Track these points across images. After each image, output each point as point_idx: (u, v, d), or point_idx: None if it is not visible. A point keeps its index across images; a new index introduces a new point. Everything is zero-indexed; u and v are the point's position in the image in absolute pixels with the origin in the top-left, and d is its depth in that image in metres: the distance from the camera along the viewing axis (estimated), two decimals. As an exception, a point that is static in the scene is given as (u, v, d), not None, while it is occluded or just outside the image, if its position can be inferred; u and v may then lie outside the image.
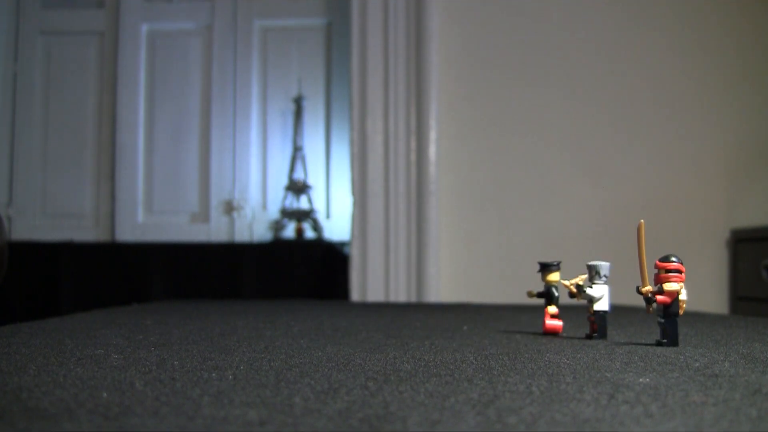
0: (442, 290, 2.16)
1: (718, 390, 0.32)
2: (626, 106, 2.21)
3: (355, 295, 2.16)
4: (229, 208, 2.60)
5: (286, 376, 0.35)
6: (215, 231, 2.59)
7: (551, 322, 0.79)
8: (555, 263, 0.81)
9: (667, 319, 0.63)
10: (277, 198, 2.58)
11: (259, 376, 0.35)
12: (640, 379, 0.35)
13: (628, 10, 2.23)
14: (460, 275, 2.20)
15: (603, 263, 0.74)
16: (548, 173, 2.21)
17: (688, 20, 2.22)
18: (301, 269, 2.26)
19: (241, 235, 2.59)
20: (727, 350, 0.54)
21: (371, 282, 2.16)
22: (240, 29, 2.64)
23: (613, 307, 0.77)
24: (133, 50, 2.64)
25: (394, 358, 0.53)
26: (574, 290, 0.74)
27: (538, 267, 0.81)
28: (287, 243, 2.48)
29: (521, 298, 0.86)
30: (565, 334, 0.75)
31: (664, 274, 0.62)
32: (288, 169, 2.53)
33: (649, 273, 0.61)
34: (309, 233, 2.52)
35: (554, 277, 0.80)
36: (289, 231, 2.53)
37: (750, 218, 2.15)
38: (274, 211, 2.59)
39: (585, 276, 0.75)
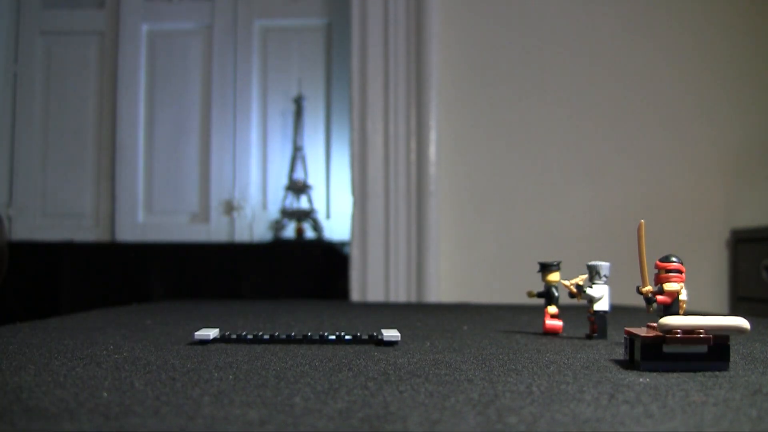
0: (442, 290, 2.16)
1: (718, 390, 0.32)
2: (626, 106, 2.21)
3: (355, 295, 2.16)
4: (229, 208, 2.60)
5: (286, 376, 0.35)
6: (215, 231, 2.59)
7: (551, 322, 0.79)
8: (555, 263, 0.81)
9: (667, 319, 0.63)
10: (277, 198, 2.58)
11: (259, 376, 0.35)
12: (640, 379, 0.35)
13: (627, 12, 2.23)
14: (460, 275, 2.20)
15: (603, 263, 0.74)
16: (548, 173, 2.21)
17: (686, 21, 2.22)
18: (301, 269, 2.26)
19: (241, 235, 2.59)
20: (727, 350, 0.54)
21: (371, 282, 2.16)
22: (240, 29, 2.64)
23: (613, 307, 0.77)
24: (133, 50, 2.64)
25: (395, 358, 0.53)
26: (574, 290, 0.74)
27: (538, 267, 0.81)
28: (287, 243, 2.48)
29: (521, 298, 0.86)
30: (565, 334, 0.75)
31: (664, 274, 0.61)
32: (288, 169, 2.53)
33: (650, 273, 0.61)
34: (309, 233, 2.52)
35: (554, 277, 0.80)
36: (289, 231, 2.53)
37: (750, 218, 2.15)
38: (274, 211, 2.59)
39: (585, 276, 0.75)
